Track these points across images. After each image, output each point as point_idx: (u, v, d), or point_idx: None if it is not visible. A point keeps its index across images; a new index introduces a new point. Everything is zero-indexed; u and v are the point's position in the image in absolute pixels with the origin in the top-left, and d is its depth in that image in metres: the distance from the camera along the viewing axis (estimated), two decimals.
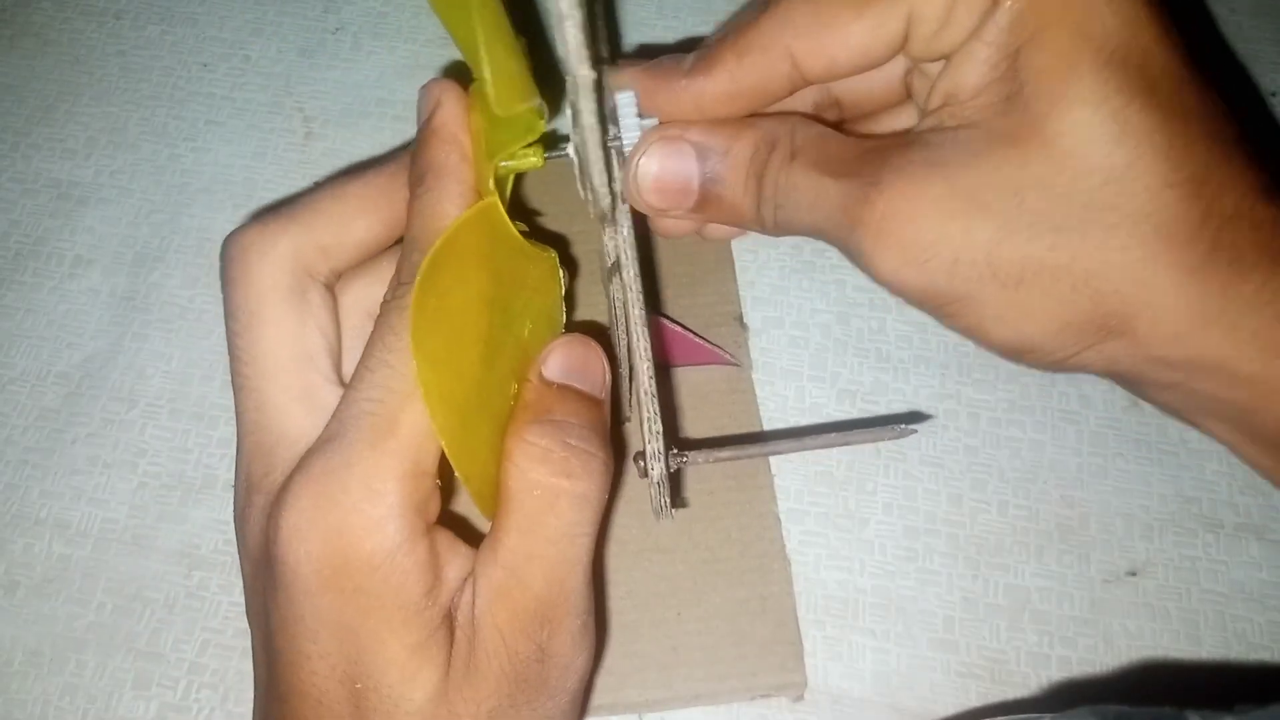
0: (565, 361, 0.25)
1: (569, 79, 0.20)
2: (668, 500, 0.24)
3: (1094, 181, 0.20)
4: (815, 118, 0.25)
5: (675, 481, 0.27)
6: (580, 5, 0.18)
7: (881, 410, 0.35)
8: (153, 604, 0.32)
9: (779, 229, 0.24)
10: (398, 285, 0.24)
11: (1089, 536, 0.33)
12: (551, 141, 0.26)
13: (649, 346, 0.24)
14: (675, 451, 0.24)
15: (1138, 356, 0.22)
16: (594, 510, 0.23)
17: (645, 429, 0.24)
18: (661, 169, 0.24)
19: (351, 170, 0.27)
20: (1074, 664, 0.31)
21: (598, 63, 0.22)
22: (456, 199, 0.24)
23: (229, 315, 0.25)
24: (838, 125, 0.27)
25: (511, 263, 0.27)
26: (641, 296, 0.25)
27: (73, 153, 0.40)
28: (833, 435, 0.24)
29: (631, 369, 0.25)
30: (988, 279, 0.21)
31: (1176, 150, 0.20)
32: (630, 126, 0.24)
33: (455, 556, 0.23)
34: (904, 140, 0.22)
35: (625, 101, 0.25)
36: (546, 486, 0.23)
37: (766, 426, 0.34)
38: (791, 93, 0.24)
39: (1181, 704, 0.24)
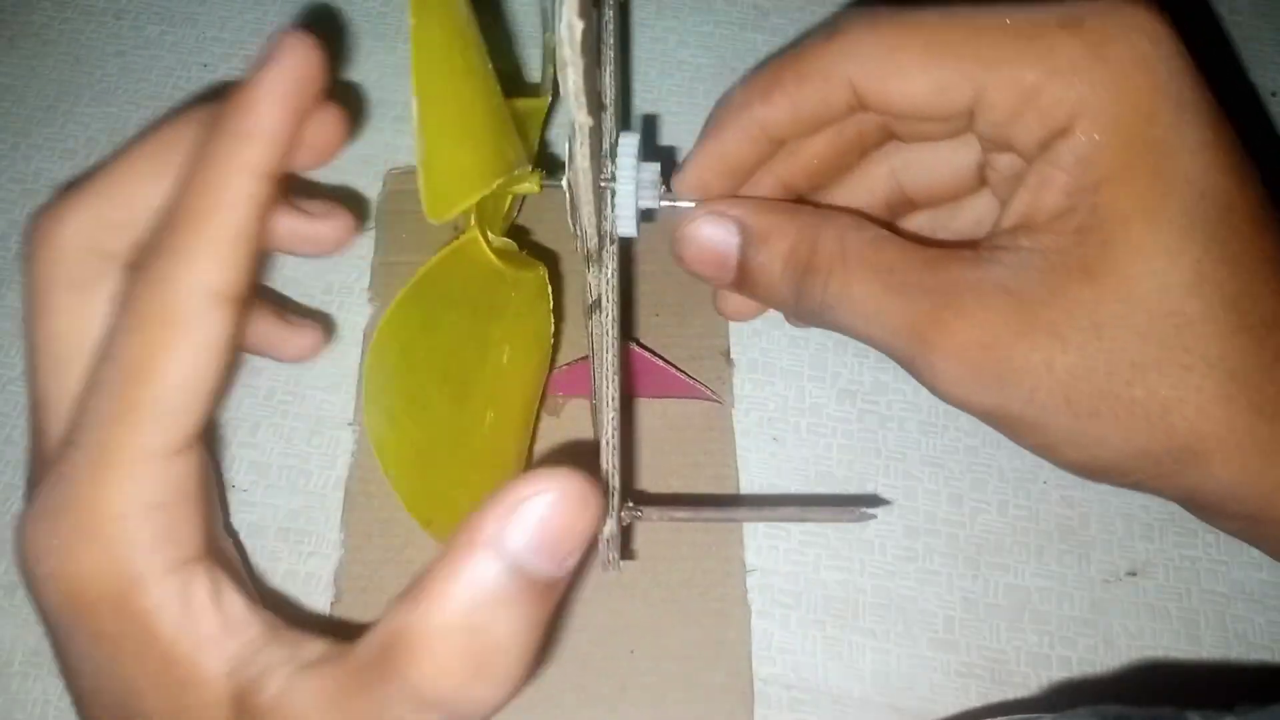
0: (542, 529, 0.18)
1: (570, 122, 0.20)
2: (616, 555, 0.23)
3: (1169, 324, 0.21)
4: (871, 218, 0.25)
5: (626, 535, 0.26)
6: (584, 53, 0.18)
7: (881, 410, 0.35)
8: None
9: (823, 325, 0.25)
10: (137, 271, 0.20)
11: (1089, 536, 0.33)
12: (551, 166, 0.26)
13: (617, 395, 0.24)
14: (630, 506, 0.24)
15: (1210, 489, 0.22)
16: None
17: (604, 481, 0.23)
18: (705, 238, 0.24)
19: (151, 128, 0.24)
20: (1074, 664, 0.31)
21: (597, 108, 0.22)
22: (246, 170, 0.20)
23: (23, 304, 0.23)
24: (906, 210, 0.27)
25: (490, 294, 0.26)
26: (617, 344, 0.24)
27: (73, 153, 0.40)
28: (793, 510, 0.25)
29: (596, 414, 0.25)
30: (1063, 408, 0.21)
31: (1247, 299, 0.21)
32: (626, 169, 0.24)
33: (232, 591, 0.21)
34: (971, 256, 0.22)
35: (626, 144, 0.24)
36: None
37: (767, 427, 0.34)
38: (850, 114, 0.24)
39: (1181, 704, 0.24)
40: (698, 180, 0.25)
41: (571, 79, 0.18)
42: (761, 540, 0.33)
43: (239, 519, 0.33)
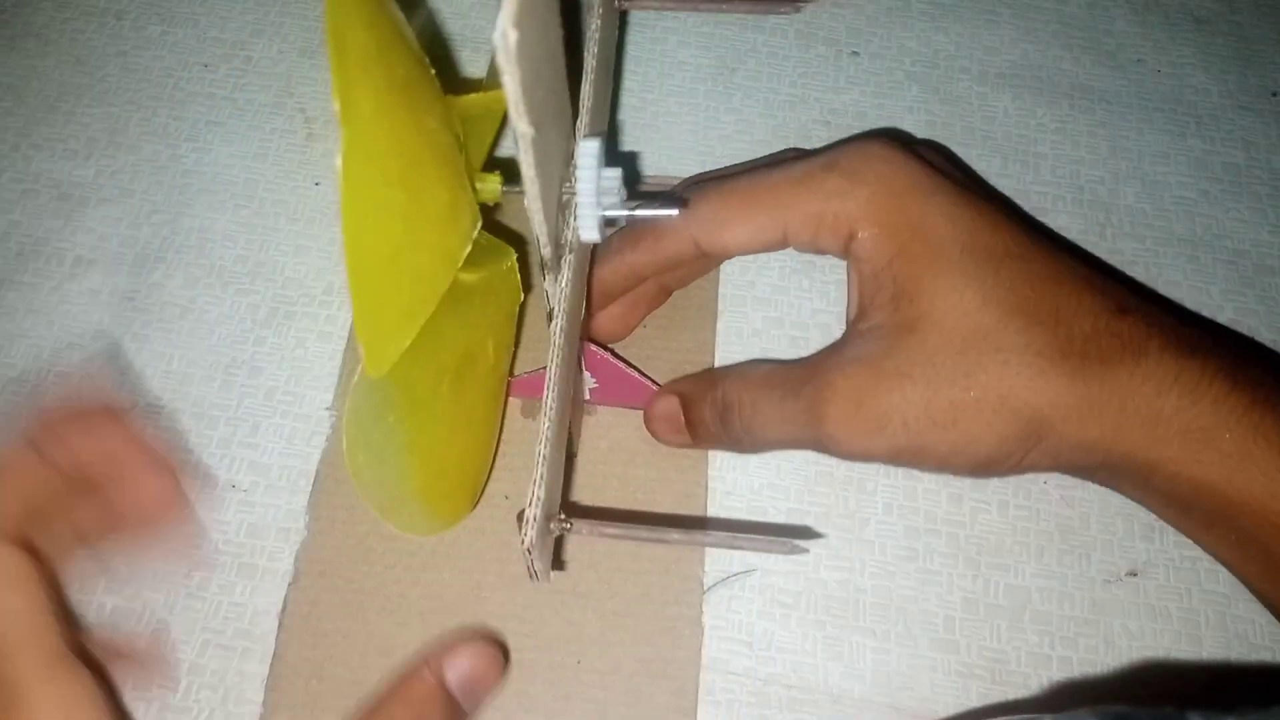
0: (471, 670, 0.28)
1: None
2: (537, 567, 0.23)
3: (978, 336, 0.27)
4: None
5: (557, 546, 0.26)
6: (520, 62, 0.18)
7: None
8: (152, 604, 0.32)
9: (754, 446, 0.32)
10: None
11: (1089, 536, 0.33)
12: (512, 174, 0.25)
13: (559, 408, 0.24)
14: (562, 517, 0.24)
15: (1066, 447, 0.27)
16: None
17: (530, 491, 0.23)
18: (662, 411, 0.33)
19: None
20: (1074, 664, 0.31)
21: (561, 115, 0.21)
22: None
23: None
24: None
25: (473, 297, 0.27)
26: (563, 353, 0.24)
27: (73, 153, 0.40)
28: (725, 536, 0.26)
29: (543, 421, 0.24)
30: (931, 427, 0.27)
31: (1030, 303, 0.27)
32: (587, 179, 0.24)
33: None
34: (835, 349, 0.30)
35: (587, 151, 0.24)
36: None
37: None
38: (701, 257, 0.31)
39: (1182, 704, 0.24)
40: (601, 290, 0.32)
41: (509, 88, 0.18)
42: None
43: (239, 519, 0.33)
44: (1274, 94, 0.42)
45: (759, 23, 0.44)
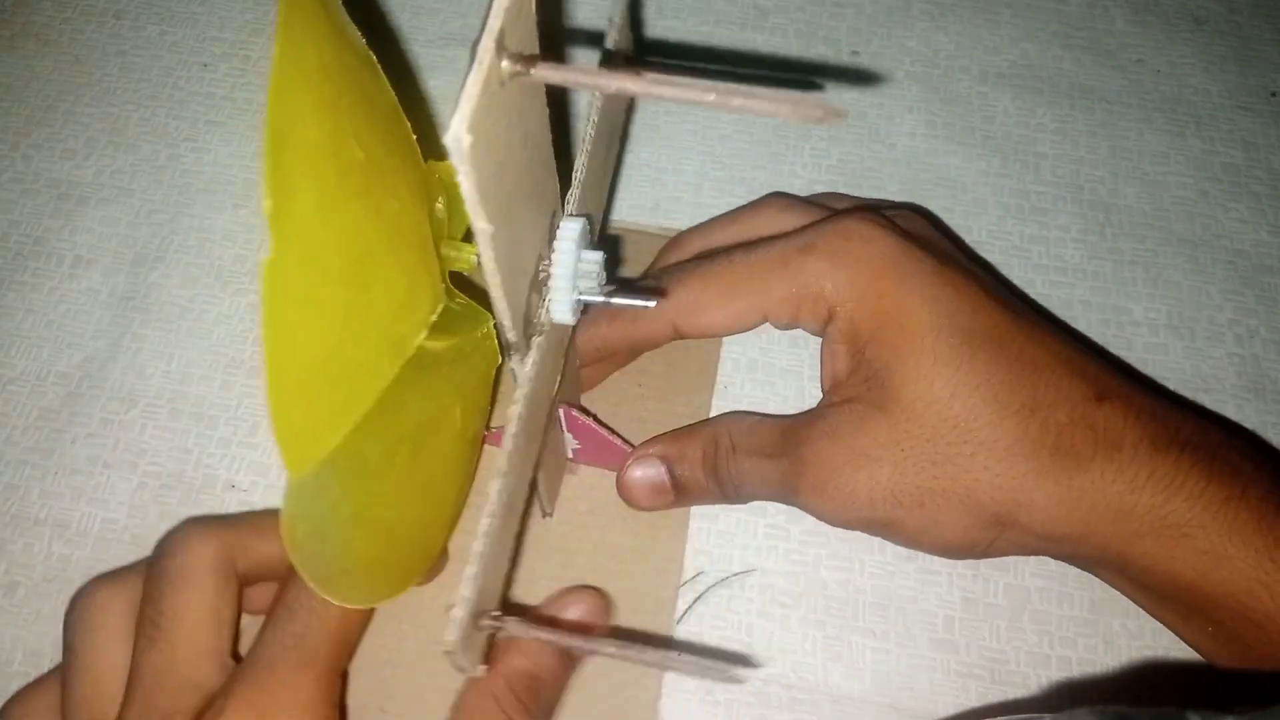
0: (584, 613, 0.29)
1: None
2: (462, 664, 0.22)
3: (946, 426, 0.27)
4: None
5: (489, 641, 0.25)
6: (475, 164, 0.17)
7: None
8: None
9: (742, 499, 0.32)
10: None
11: None
12: None
13: (500, 503, 0.23)
14: (494, 614, 0.23)
15: (1032, 538, 0.28)
16: None
17: (461, 587, 0.21)
18: (642, 477, 0.31)
19: None
20: (1074, 664, 0.31)
21: (527, 209, 0.20)
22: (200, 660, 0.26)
23: (159, 579, 0.27)
24: None
25: (440, 367, 0.26)
26: (518, 442, 0.23)
27: (73, 153, 0.40)
28: (662, 655, 0.24)
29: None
30: (898, 507, 0.28)
31: (1004, 392, 0.27)
32: (564, 262, 0.23)
33: None
34: (810, 419, 0.29)
35: (567, 233, 0.23)
36: None
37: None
38: (677, 339, 0.31)
39: (1181, 704, 0.24)
40: (583, 358, 0.32)
41: (465, 188, 0.18)
42: (762, 540, 0.33)
43: None
44: (1273, 94, 0.42)
45: (759, 22, 0.44)
